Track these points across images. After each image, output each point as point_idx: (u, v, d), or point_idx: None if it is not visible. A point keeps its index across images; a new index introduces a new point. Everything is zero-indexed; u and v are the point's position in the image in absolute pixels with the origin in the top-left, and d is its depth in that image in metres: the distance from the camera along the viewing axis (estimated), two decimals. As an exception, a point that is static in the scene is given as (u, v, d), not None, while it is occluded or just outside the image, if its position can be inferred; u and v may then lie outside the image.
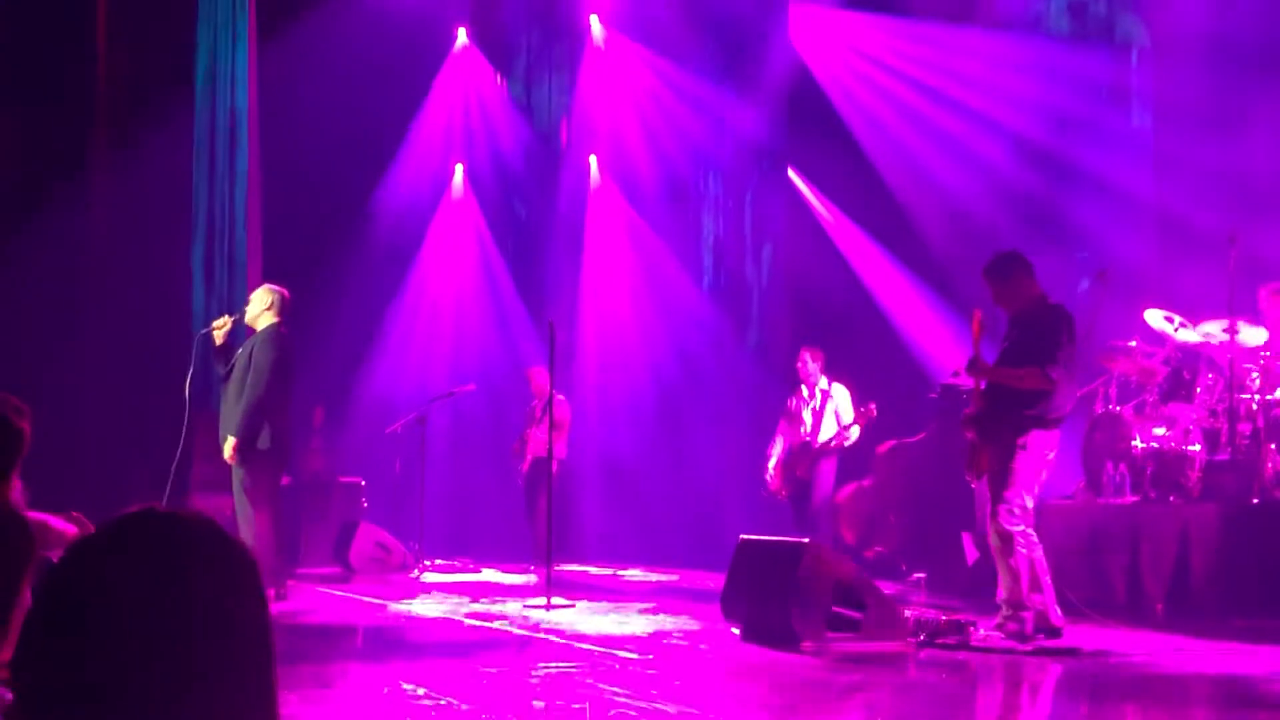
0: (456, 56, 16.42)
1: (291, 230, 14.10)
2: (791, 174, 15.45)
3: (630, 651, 7.39)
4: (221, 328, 9.78)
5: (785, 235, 15.56)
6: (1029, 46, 13.30)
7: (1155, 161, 12.66)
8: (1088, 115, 12.97)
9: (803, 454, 11.59)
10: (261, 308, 9.77)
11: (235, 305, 13.38)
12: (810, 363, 11.70)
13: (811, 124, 14.66)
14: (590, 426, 15.30)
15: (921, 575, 11.36)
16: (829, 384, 11.67)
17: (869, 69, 14.36)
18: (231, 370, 9.65)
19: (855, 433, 11.50)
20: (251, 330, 9.82)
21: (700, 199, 16.33)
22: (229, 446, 9.45)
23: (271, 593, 9.35)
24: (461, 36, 16.36)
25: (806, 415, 11.68)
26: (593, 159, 16.60)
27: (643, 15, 15.64)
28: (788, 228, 15.49)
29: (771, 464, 11.80)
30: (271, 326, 9.70)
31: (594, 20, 16.07)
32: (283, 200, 14.07)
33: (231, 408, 9.52)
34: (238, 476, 9.49)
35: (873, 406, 11.40)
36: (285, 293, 9.92)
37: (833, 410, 11.61)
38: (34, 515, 4.73)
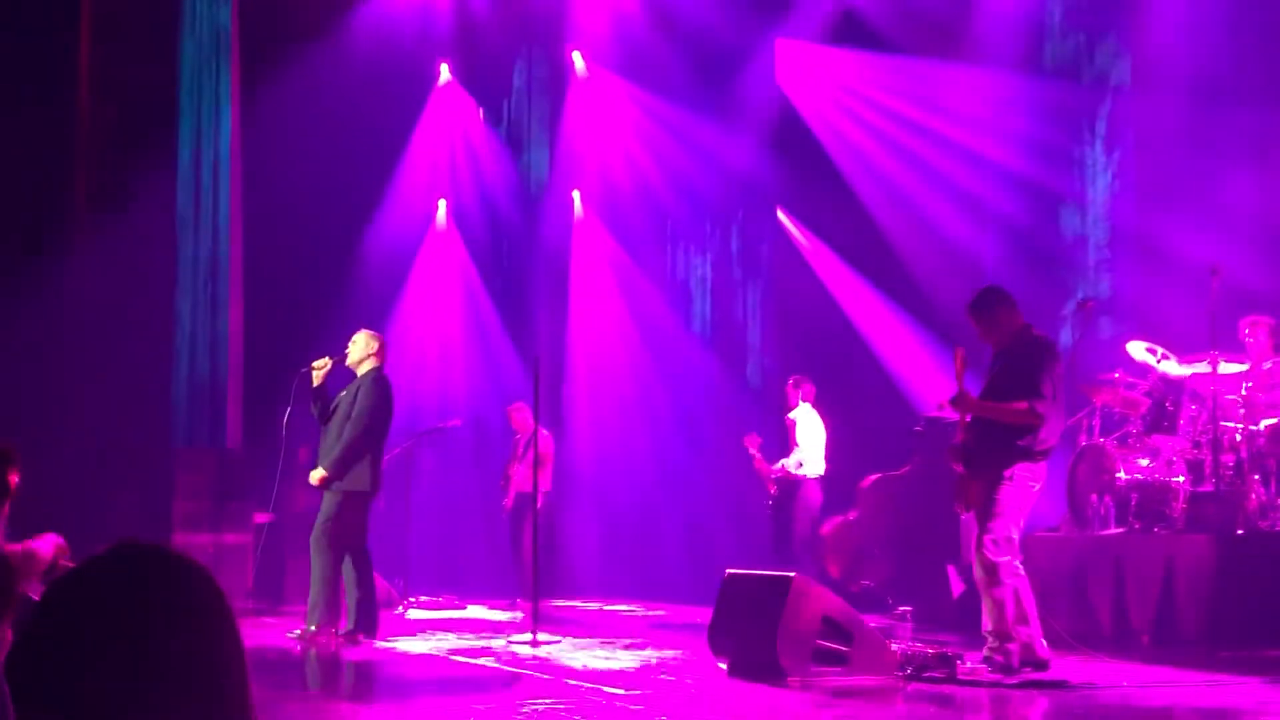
0: (440, 92, 16.41)
1: (275, 267, 14.07)
2: (780, 215, 15.53)
3: (617, 687, 7.36)
4: (321, 368, 9.73)
5: (772, 270, 15.60)
6: (1012, 81, 13.38)
7: (1137, 194, 12.73)
8: (1071, 148, 13.05)
9: (781, 479, 12.03)
10: (366, 352, 9.80)
11: (218, 345, 13.37)
12: (791, 390, 12.08)
13: (798, 159, 14.72)
14: (578, 461, 15.27)
15: (908, 608, 11.31)
16: (798, 413, 11.96)
17: (854, 104, 14.44)
18: (332, 412, 9.65)
19: (790, 464, 11.92)
20: (351, 373, 9.81)
21: (687, 234, 16.36)
22: (316, 474, 9.46)
23: (337, 633, 9.29)
24: (444, 73, 16.35)
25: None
26: (576, 194, 16.61)
27: (627, 51, 15.68)
28: (775, 262, 15.53)
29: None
30: (374, 370, 9.76)
31: (576, 56, 16.11)
32: (266, 238, 14.04)
33: (330, 448, 9.51)
34: (323, 511, 9.49)
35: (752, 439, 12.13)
36: (383, 339, 10.05)
37: (799, 438, 11.92)
38: (14, 546, 4.70)
